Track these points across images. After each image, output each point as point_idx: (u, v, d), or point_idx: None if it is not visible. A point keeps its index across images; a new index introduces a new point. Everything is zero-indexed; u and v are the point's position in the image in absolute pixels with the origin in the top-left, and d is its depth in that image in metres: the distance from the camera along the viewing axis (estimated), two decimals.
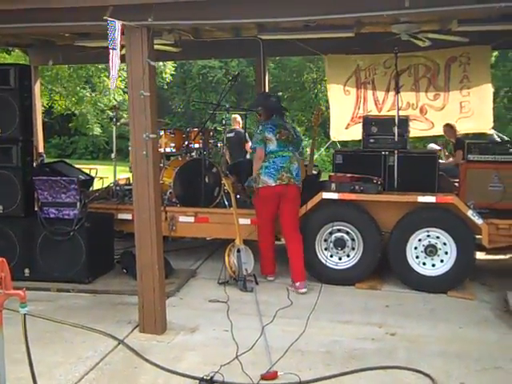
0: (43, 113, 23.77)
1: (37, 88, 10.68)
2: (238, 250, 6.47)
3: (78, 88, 22.93)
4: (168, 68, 25.69)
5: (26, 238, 6.52)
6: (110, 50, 4.68)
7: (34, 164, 7.51)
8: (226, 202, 7.45)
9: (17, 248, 6.50)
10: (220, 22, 5.42)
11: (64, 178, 6.53)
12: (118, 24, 4.66)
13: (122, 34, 4.76)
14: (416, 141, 16.57)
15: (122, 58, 4.82)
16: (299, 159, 6.77)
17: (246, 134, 10.30)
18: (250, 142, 10.48)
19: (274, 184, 6.38)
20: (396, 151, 7.19)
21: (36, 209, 6.56)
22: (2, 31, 5.73)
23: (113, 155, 8.27)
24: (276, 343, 4.94)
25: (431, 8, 4.74)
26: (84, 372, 4.45)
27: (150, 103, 5.06)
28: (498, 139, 10.37)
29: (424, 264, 6.40)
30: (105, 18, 4.63)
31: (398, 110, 7.41)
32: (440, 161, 8.23)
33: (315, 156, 17.01)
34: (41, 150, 10.39)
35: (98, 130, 25.73)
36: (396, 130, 7.22)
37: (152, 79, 5.09)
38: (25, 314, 3.60)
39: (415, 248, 6.40)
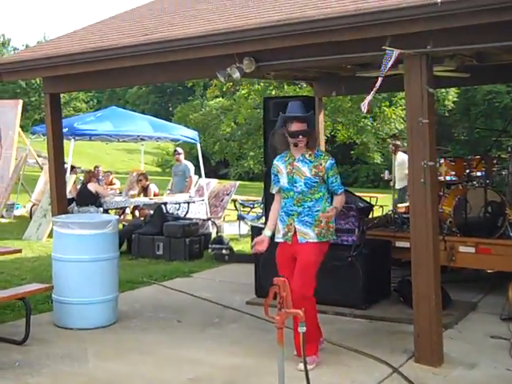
0: (326, 142, 24.99)
1: (321, 118, 11.21)
2: None
3: (358, 119, 23.56)
4: (450, 95, 25.22)
5: None
6: (380, 78, 4.75)
7: None
8: (511, 234, 7.02)
9: None
10: (507, 44, 5.21)
11: (343, 205, 6.71)
12: (396, 53, 4.71)
13: (398, 62, 4.81)
14: None
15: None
16: None
17: None
18: None
19: None
20: None
21: None
22: (290, 66, 6.14)
23: (391, 183, 8.34)
24: None
25: None
26: None
27: (429, 130, 5.01)
28: None
29: None
30: (383, 47, 4.71)
31: None
32: None
33: None
34: None
35: (378, 159, 26.11)
36: None
37: (431, 106, 5.04)
38: (303, 333, 3.78)
39: None
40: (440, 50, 4.94)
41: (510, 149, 7.97)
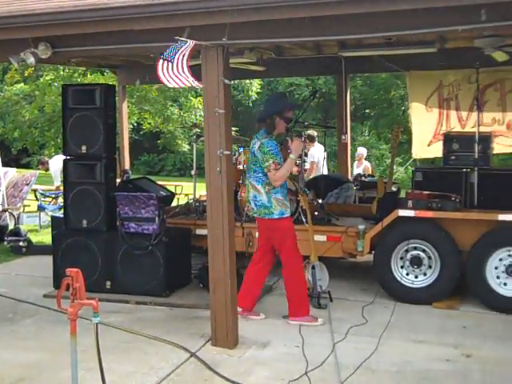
0: (133, 130, 24.67)
1: (124, 107, 11.10)
2: (313, 267, 6.44)
3: (164, 108, 23.53)
4: (254, 86, 26.08)
5: (108, 251, 6.75)
6: (161, 59, 4.75)
7: (118, 180, 7.78)
8: (304, 219, 7.44)
9: (99, 261, 6.74)
10: (292, 40, 5.54)
11: (143, 194, 6.73)
12: (190, 43, 4.78)
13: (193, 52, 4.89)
14: (508, 157, 16.07)
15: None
16: (254, 184, 5.84)
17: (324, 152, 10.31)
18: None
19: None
20: (476, 168, 7.01)
21: (117, 223, 6.77)
22: (88, 53, 6.02)
23: (193, 172, 8.48)
24: (346, 360, 4.90)
25: (509, 21, 4.59)
26: (155, 382, 4.56)
27: (225, 120, 5.15)
28: None
29: (505, 285, 6.17)
30: (176, 38, 4.77)
31: (479, 126, 7.27)
32: None
33: (397, 173, 16.82)
34: (127, 166, 10.74)
35: (186, 147, 26.33)
36: (477, 146, 7.04)
37: (227, 97, 5.19)
38: (97, 324, 3.74)
39: (496, 268, 6.18)
40: (234, 42, 5.07)
41: (302, 138, 8.39)
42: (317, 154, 11.17)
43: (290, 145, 5.84)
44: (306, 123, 8.57)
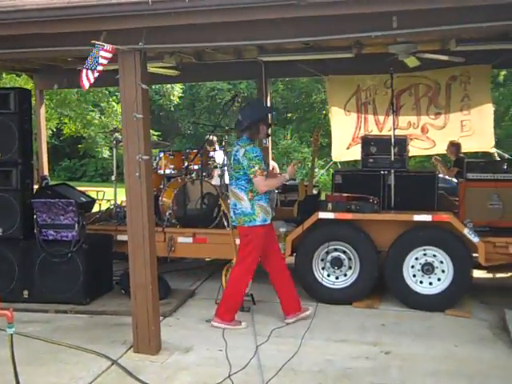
0: (52, 136, 24.10)
1: (42, 111, 10.85)
2: None
3: (86, 112, 23.10)
4: (176, 90, 25.95)
5: (25, 260, 6.57)
6: (84, 69, 4.71)
7: (35, 187, 7.58)
8: (225, 223, 7.47)
9: (16, 270, 6.55)
10: (211, 45, 5.56)
11: (62, 200, 6.58)
12: (107, 47, 4.73)
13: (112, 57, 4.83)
14: (424, 159, 16.62)
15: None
16: (237, 191, 5.81)
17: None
18: None
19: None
20: (393, 171, 7.21)
21: (35, 231, 6.60)
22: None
23: (113, 177, 8.35)
24: (269, 362, 4.95)
25: (419, 28, 4.75)
26: None
27: (144, 125, 5.12)
28: (498, 158, 10.37)
29: (421, 282, 6.38)
30: (92, 42, 4.70)
31: (395, 129, 7.48)
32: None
33: (319, 176, 17.08)
34: (46, 172, 10.49)
35: (107, 153, 25.92)
36: (393, 149, 7.24)
37: (145, 102, 5.15)
38: (11, 334, 3.65)
39: (412, 267, 6.39)
40: (151, 47, 5.04)
41: (223, 142, 8.46)
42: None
43: (289, 168, 5.99)
44: (226, 128, 8.65)
